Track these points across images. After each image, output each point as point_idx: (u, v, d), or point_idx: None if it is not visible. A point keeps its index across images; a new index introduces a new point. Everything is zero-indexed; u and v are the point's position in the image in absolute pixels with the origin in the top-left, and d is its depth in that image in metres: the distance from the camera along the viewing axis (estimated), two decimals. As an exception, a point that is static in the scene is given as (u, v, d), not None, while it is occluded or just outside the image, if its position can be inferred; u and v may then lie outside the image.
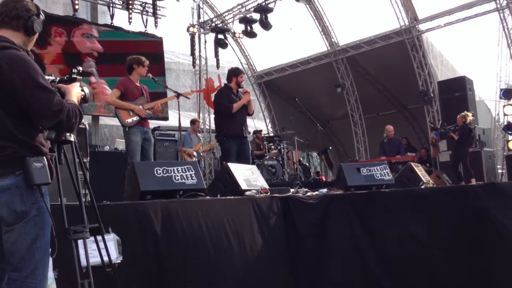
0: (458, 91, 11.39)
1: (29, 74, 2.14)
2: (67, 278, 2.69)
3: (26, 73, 2.14)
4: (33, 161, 2.12)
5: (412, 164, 6.25)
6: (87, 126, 5.88)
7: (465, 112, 9.85)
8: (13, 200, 2.10)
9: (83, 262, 2.31)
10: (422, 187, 5.56)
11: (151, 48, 11.82)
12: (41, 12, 2.35)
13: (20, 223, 2.11)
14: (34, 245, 2.12)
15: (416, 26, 13.10)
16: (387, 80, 15.14)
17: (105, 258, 2.55)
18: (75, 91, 2.39)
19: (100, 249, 2.48)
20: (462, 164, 9.52)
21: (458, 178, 9.27)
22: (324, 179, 15.39)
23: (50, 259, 2.30)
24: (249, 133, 6.92)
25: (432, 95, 13.11)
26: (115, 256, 3.11)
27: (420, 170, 6.12)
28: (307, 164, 12.37)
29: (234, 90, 6.60)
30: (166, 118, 11.80)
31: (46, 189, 2.22)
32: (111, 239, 3.13)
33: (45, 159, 2.18)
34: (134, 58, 6.07)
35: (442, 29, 12.95)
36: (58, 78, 2.43)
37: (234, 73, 6.70)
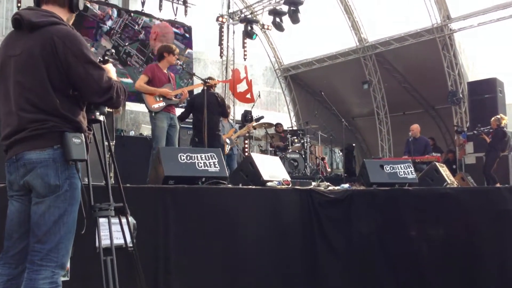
0: (488, 93, 11.15)
1: (81, 50, 2.19)
2: (84, 256, 2.74)
3: (78, 49, 2.18)
4: (72, 137, 2.16)
5: (437, 164, 6.15)
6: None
7: (500, 115, 9.59)
8: (48, 173, 2.14)
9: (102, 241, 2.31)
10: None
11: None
12: None
13: (51, 196, 2.14)
14: (61, 220, 2.15)
15: (449, 24, 12.86)
16: (415, 79, 14.90)
17: (123, 239, 2.59)
18: (113, 71, 2.45)
19: (123, 229, 2.51)
20: (486, 169, 9.30)
21: (487, 182, 9.05)
22: (327, 166, 14.93)
23: None
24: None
25: (461, 95, 12.88)
26: (129, 240, 3.16)
27: (444, 171, 6.02)
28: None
29: None
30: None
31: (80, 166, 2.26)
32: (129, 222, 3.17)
33: (83, 136, 2.22)
34: (165, 47, 6.20)
35: (474, 29, 12.68)
36: None
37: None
